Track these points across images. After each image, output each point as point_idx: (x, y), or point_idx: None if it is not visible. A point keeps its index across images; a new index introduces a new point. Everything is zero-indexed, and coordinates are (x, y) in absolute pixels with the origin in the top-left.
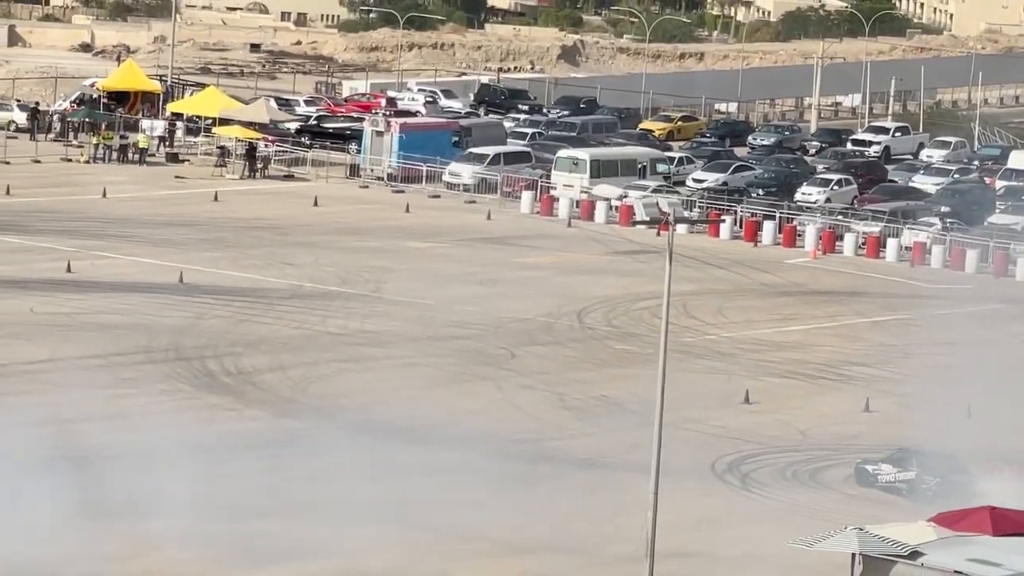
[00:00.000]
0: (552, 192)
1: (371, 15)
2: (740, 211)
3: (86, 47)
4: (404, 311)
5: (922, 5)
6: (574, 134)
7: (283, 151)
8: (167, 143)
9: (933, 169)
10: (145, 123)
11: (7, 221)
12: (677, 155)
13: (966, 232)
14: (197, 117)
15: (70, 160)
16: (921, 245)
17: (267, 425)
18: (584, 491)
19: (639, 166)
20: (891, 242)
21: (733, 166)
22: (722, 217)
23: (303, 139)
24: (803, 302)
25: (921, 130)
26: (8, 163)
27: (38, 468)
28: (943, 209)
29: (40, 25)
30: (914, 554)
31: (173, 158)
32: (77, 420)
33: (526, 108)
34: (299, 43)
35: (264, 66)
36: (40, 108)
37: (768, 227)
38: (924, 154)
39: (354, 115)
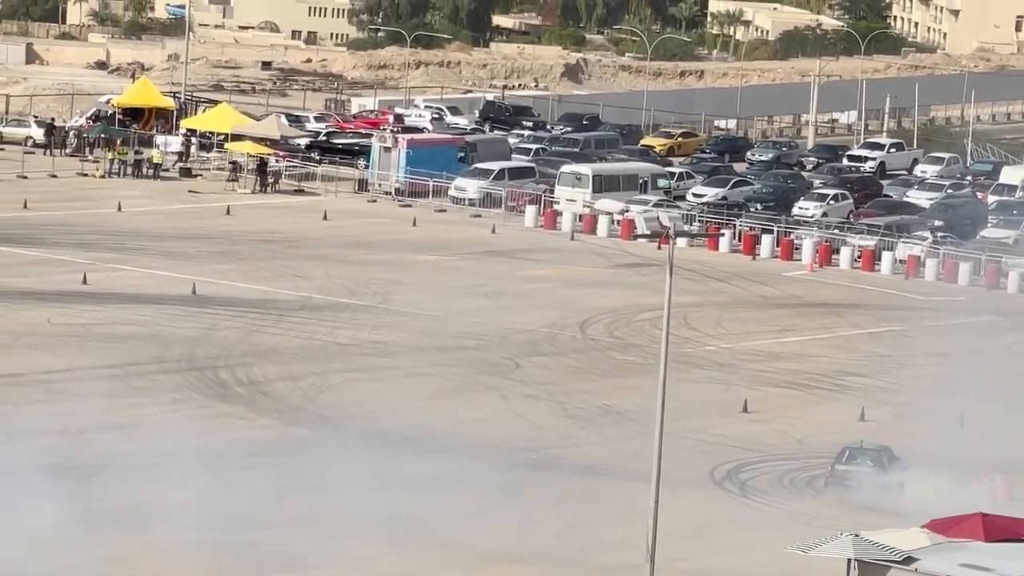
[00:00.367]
0: (555, 206)
1: (379, 34)
2: (739, 225)
3: (102, 65)
4: (411, 322)
5: (916, 24)
6: (577, 150)
7: (293, 166)
8: (184, 158)
9: (927, 184)
10: (159, 139)
11: (25, 234)
12: (677, 170)
13: (959, 245)
14: (210, 133)
15: (86, 175)
16: (915, 258)
17: (277, 433)
18: (587, 499)
19: (640, 181)
20: (886, 255)
21: (732, 181)
22: (721, 231)
23: (313, 154)
24: (800, 314)
25: (915, 146)
26: (26, 177)
27: (50, 475)
28: (937, 223)
29: (57, 43)
30: (908, 559)
31: (186, 173)
32: (92, 428)
33: (530, 124)
34: (309, 61)
35: (275, 83)
36: (56, 124)
37: (766, 241)
38: (918, 169)
39: (362, 131)
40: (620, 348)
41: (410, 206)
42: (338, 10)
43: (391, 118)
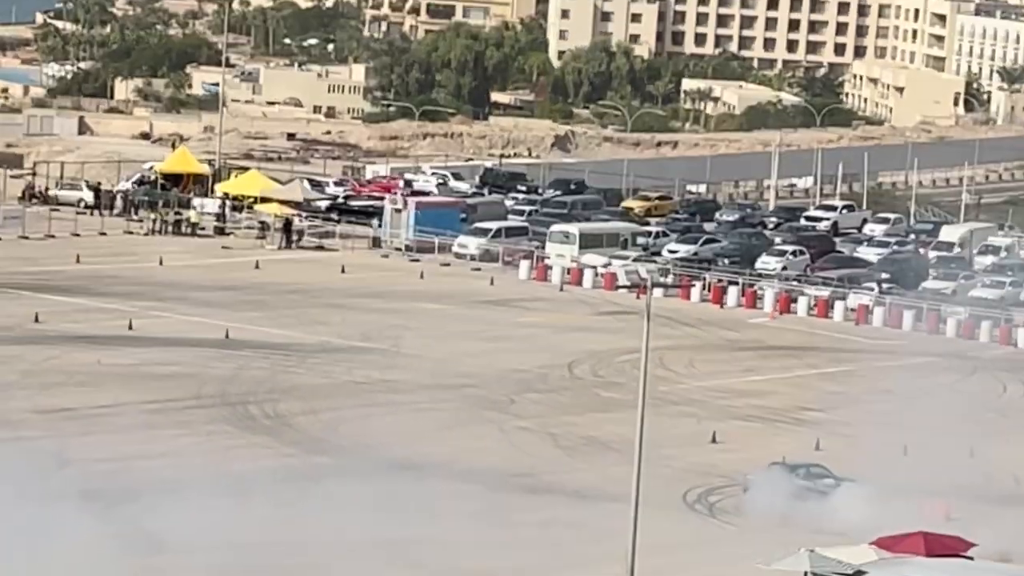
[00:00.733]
0: (546, 261)
1: (391, 109)
2: (708, 277)
3: (145, 136)
4: (419, 363)
5: (866, 100)
6: (565, 211)
7: (315, 225)
8: (222, 219)
9: (875, 241)
10: (196, 201)
11: (77, 285)
12: (654, 229)
13: (903, 296)
14: (241, 196)
15: (131, 233)
16: (864, 307)
17: (300, 461)
18: (573, 519)
19: (622, 239)
20: (839, 304)
21: (702, 239)
22: (693, 283)
23: (332, 215)
24: (762, 356)
25: (865, 207)
26: (79, 235)
27: (89, 500)
28: (883, 276)
29: (106, 116)
30: (858, 573)
31: (220, 231)
32: (135, 456)
33: (524, 189)
34: (329, 132)
35: (298, 152)
36: (104, 188)
37: (732, 291)
38: (867, 228)
39: (376, 195)
40: (603, 386)
41: (418, 260)
42: (355, 88)
43: (401, 183)
